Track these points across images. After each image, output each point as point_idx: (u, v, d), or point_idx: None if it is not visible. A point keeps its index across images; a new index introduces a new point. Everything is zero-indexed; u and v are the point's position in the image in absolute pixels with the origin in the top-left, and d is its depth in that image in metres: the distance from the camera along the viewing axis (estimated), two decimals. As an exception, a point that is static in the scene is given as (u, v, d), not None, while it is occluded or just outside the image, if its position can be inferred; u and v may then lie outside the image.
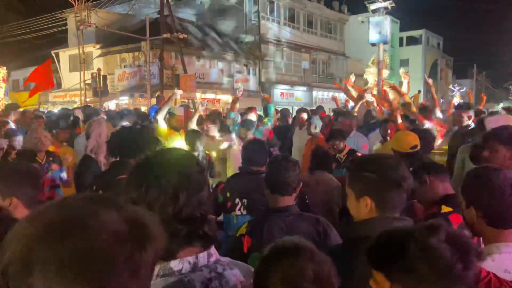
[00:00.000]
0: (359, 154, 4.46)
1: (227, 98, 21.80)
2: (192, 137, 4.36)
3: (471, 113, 4.82)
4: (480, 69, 46.81)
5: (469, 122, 4.71)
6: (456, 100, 21.57)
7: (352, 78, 15.50)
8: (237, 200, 2.76)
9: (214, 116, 5.72)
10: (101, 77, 17.60)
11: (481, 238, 1.68)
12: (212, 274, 1.05)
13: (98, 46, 23.01)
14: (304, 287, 1.06)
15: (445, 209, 2.18)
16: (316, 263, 1.11)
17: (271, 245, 1.19)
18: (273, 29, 26.67)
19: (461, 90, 32.80)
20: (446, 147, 4.69)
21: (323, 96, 29.71)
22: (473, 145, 3.40)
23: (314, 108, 9.87)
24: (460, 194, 1.66)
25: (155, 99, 13.22)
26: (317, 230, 2.00)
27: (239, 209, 2.74)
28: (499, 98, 37.13)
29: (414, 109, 6.43)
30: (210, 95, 21.92)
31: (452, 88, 40.07)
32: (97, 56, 22.83)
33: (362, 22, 16.11)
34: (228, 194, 2.82)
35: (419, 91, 17.03)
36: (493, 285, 1.35)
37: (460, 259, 1.01)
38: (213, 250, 1.10)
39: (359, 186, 1.54)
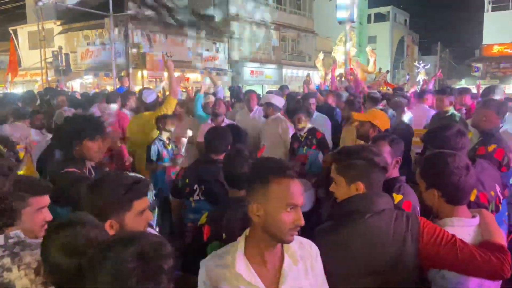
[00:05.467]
0: (319, 133, 4.52)
1: (196, 76, 21.46)
2: (160, 122, 4.34)
3: (452, 98, 4.76)
4: (444, 46, 47.95)
5: (450, 107, 4.62)
6: (421, 77, 22.08)
7: (321, 56, 15.61)
8: (195, 186, 2.82)
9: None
10: (63, 55, 16.92)
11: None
12: (5, 253, 1.29)
13: (58, 22, 21.94)
14: (80, 247, 1.23)
15: (396, 197, 2.13)
16: (86, 229, 1.29)
17: (49, 224, 1.35)
18: (242, 5, 26.20)
19: (426, 67, 33.60)
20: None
21: (292, 74, 29.72)
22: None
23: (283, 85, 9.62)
24: (419, 178, 1.84)
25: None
26: None
27: (197, 195, 2.81)
28: (461, 74, 38.34)
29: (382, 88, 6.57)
30: (177, 74, 21.44)
31: (417, 65, 40.99)
32: (58, 33, 21.79)
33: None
34: (187, 181, 2.88)
35: (387, 71, 17.36)
36: (457, 244, 1.58)
37: (143, 272, 1.01)
38: (12, 233, 1.35)
39: (351, 173, 1.71)
